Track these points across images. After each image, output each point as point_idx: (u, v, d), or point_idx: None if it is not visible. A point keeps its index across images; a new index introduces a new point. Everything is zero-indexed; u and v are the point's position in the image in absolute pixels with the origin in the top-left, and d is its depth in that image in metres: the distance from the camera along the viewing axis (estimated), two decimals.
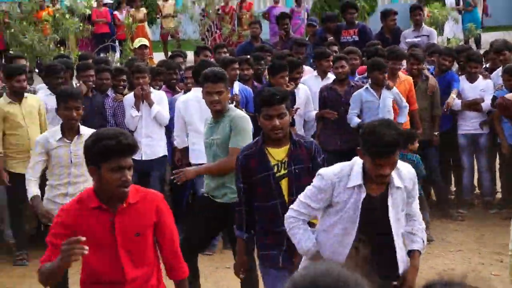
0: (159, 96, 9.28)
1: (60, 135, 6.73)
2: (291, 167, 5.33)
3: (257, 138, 5.50)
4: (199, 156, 7.94)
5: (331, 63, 9.83)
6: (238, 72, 9.57)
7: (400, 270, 4.75)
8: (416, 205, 4.85)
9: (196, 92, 7.83)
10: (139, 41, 12.04)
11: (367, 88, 9.24)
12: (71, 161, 6.73)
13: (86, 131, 6.72)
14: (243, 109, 9.34)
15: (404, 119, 9.35)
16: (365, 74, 9.87)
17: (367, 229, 4.58)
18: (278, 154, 5.36)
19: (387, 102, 9.20)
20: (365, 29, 12.82)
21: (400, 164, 4.65)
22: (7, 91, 8.69)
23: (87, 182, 6.70)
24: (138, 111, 9.16)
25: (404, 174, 4.65)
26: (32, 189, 6.78)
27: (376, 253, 4.45)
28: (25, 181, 6.89)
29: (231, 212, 6.04)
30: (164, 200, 4.48)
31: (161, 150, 9.32)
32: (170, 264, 4.50)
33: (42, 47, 14.89)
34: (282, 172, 5.34)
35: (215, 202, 6.54)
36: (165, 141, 9.37)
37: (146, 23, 20.71)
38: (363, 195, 4.55)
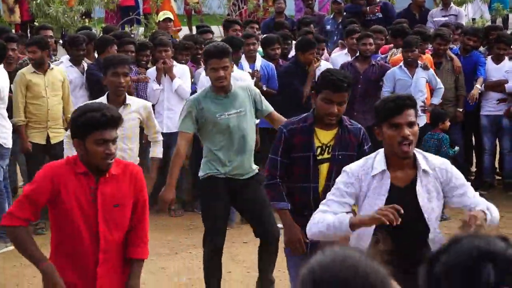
0: (182, 70, 9.27)
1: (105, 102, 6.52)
2: (335, 151, 5.15)
3: (306, 114, 5.24)
4: None
5: (355, 40, 9.82)
6: (256, 47, 9.55)
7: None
8: (472, 194, 4.39)
9: None
10: (163, 14, 12.00)
11: (400, 66, 9.25)
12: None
13: (135, 101, 6.68)
14: (264, 85, 9.33)
15: (437, 100, 9.40)
16: (387, 54, 9.83)
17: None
18: (325, 136, 5.17)
19: (420, 82, 9.19)
20: (387, 6, 12.70)
21: (429, 155, 4.44)
22: (31, 61, 8.73)
23: (133, 158, 6.72)
24: (160, 85, 9.16)
25: (433, 162, 4.32)
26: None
27: (407, 245, 4.14)
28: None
29: (247, 187, 6.01)
30: (142, 174, 4.49)
31: None
32: (134, 241, 4.47)
33: (67, 18, 14.89)
34: (326, 156, 5.17)
35: (230, 183, 6.24)
36: None
37: None
38: (388, 180, 4.26)
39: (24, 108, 8.58)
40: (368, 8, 12.08)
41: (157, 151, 6.96)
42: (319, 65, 9.26)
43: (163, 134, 8.89)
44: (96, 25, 14.58)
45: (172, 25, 11.54)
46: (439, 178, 4.30)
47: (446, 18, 12.08)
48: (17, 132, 8.56)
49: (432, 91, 9.43)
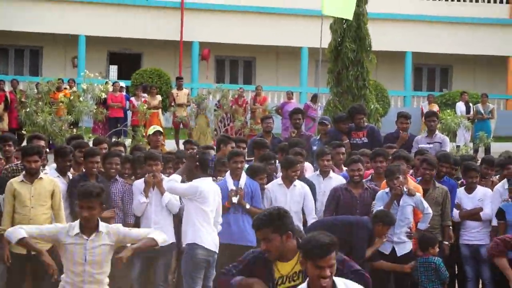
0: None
1: (78, 230, 6.48)
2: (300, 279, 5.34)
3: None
4: None
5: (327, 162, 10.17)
6: (243, 165, 9.62)
7: None
8: None
9: None
10: (153, 128, 12.09)
11: (387, 192, 9.24)
12: (86, 258, 6.46)
13: (104, 227, 6.52)
14: (248, 203, 9.34)
15: (424, 225, 9.38)
16: (369, 178, 9.94)
17: None
18: (284, 268, 5.40)
19: (406, 210, 9.18)
20: (373, 131, 12.87)
21: (350, 282, 5.02)
22: (33, 170, 8.66)
23: (105, 281, 6.57)
24: (147, 198, 9.14)
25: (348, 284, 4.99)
26: (20, 232, 6.44)
27: None
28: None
29: None
30: None
31: (169, 237, 9.18)
32: None
33: (55, 127, 15.01)
34: (287, 284, 5.36)
35: None
36: (173, 228, 9.29)
37: (160, 111, 20.89)
38: None
39: (11, 218, 8.53)
40: (344, 142, 12.17)
41: (158, 237, 6.62)
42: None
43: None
44: (84, 134, 14.66)
45: (162, 138, 11.62)
46: None
47: (431, 145, 12.21)
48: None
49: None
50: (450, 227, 9.76)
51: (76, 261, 6.43)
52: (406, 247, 9.18)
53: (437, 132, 12.72)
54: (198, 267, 8.77)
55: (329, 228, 8.02)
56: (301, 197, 9.64)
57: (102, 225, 6.53)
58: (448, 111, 18.60)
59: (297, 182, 9.70)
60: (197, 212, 8.78)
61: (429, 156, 10.14)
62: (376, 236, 8.77)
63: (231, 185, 9.48)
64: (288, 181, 9.65)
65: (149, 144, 11.67)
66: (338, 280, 4.95)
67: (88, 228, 6.46)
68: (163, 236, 6.74)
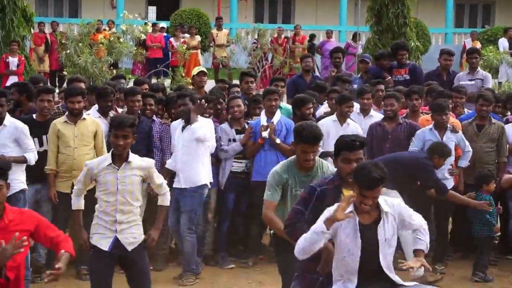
0: (205, 123, 9.25)
1: (110, 161, 6.72)
2: None
3: (332, 177, 5.74)
4: None
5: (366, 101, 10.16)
6: (278, 103, 9.62)
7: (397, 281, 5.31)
8: (416, 218, 5.43)
9: None
10: (198, 69, 12.10)
11: (431, 128, 9.25)
12: (118, 188, 6.67)
13: (136, 160, 6.75)
14: (278, 138, 9.34)
15: (465, 163, 9.44)
16: (403, 115, 9.91)
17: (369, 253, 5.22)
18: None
19: (449, 145, 9.15)
20: (416, 69, 12.77)
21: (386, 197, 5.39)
22: (76, 111, 8.80)
23: (135, 211, 6.78)
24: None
25: (389, 202, 5.35)
26: (76, 202, 6.93)
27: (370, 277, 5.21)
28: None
29: None
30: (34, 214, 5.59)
31: (202, 178, 9.25)
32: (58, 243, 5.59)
33: (95, 68, 15.07)
34: None
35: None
36: (210, 169, 9.33)
37: (199, 51, 20.88)
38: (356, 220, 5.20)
39: (56, 158, 8.72)
40: (387, 79, 12.12)
41: (164, 200, 7.01)
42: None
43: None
44: (125, 75, 14.73)
45: (206, 79, 11.63)
46: (393, 215, 5.31)
47: (473, 82, 12.11)
48: (46, 180, 8.72)
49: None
50: (505, 163, 9.74)
51: (109, 191, 6.65)
52: (448, 184, 9.19)
53: (479, 69, 12.58)
54: (202, 206, 9.09)
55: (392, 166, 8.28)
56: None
57: (133, 157, 6.76)
58: (491, 47, 18.32)
59: (350, 121, 9.71)
60: (206, 153, 8.98)
61: (485, 93, 10.05)
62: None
63: (264, 122, 9.51)
64: (342, 117, 9.61)
65: (193, 84, 11.70)
66: (380, 200, 5.30)
67: (120, 158, 6.69)
68: (169, 198, 7.09)
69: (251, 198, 9.49)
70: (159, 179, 6.93)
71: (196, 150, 8.85)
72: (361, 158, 5.57)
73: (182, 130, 8.89)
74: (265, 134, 9.37)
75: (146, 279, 6.81)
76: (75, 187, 7.01)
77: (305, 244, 5.21)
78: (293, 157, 6.46)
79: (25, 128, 8.43)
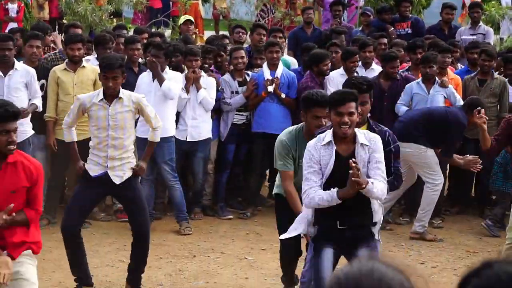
0: (208, 81, 9.27)
1: (102, 97, 6.81)
2: None
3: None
4: None
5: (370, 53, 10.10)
6: (279, 55, 9.57)
7: (375, 219, 5.63)
8: (380, 174, 5.48)
9: None
10: (184, 17, 12.09)
11: (418, 82, 9.23)
12: (109, 123, 6.78)
13: (126, 94, 6.83)
14: (283, 93, 9.36)
15: None
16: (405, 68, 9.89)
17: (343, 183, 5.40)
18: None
19: (436, 98, 9.15)
20: (418, 22, 12.71)
21: (368, 132, 5.62)
22: (76, 58, 8.80)
23: (129, 148, 6.90)
24: (188, 94, 9.17)
25: (370, 137, 5.52)
26: (68, 134, 7.08)
27: (352, 204, 5.46)
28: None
29: None
30: (39, 169, 5.32)
31: (207, 132, 9.36)
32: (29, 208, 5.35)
33: (95, 17, 14.96)
34: None
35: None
36: (211, 123, 9.39)
37: (200, 1, 20.71)
38: (334, 148, 5.46)
39: (55, 105, 8.70)
40: (390, 30, 12.08)
41: (154, 136, 7.10)
42: None
43: (186, 142, 9.08)
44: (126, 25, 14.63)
45: (193, 28, 11.56)
46: (370, 147, 5.50)
47: (474, 37, 12.05)
48: (46, 127, 8.73)
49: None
50: None
51: (101, 126, 6.79)
52: None
53: (481, 23, 12.52)
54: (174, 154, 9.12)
55: (426, 119, 8.27)
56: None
57: (124, 92, 6.84)
58: (493, 2, 18.19)
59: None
60: (173, 105, 9.05)
61: (488, 47, 10.01)
62: (472, 124, 8.55)
63: (267, 75, 9.50)
64: (348, 72, 9.52)
65: (180, 33, 11.65)
66: (358, 132, 5.52)
67: (111, 96, 6.79)
68: (159, 133, 7.18)
69: (250, 149, 9.54)
70: (151, 112, 6.99)
71: (164, 103, 8.79)
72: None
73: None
74: (270, 88, 9.39)
75: (142, 207, 6.92)
76: (65, 118, 7.10)
77: (319, 203, 5.47)
78: (299, 125, 6.42)
79: (35, 73, 8.43)
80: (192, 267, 7.91)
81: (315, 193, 5.45)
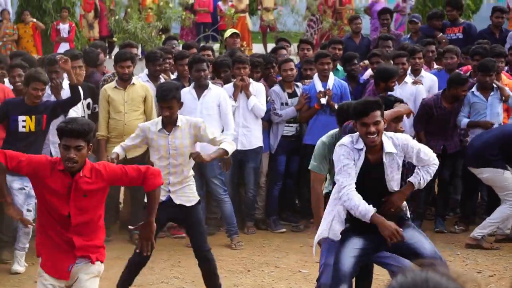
0: (257, 88, 9.31)
1: (161, 126, 6.91)
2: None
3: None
4: None
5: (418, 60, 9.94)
6: (330, 67, 9.54)
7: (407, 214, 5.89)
8: (424, 154, 5.70)
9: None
10: (230, 31, 12.14)
11: (473, 91, 9.10)
12: (169, 152, 6.86)
13: (184, 122, 6.89)
14: (336, 103, 9.31)
15: None
16: (468, 73, 9.73)
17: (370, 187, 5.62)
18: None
19: (495, 105, 9.00)
20: (470, 27, 12.56)
21: (394, 134, 5.75)
22: (125, 76, 8.89)
23: (186, 171, 6.93)
24: (236, 101, 9.20)
25: (397, 142, 5.65)
26: (117, 150, 7.09)
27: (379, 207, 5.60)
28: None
29: None
30: (108, 166, 5.43)
31: (257, 141, 9.36)
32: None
33: (145, 34, 15.13)
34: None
35: None
36: (261, 132, 9.40)
37: (247, 14, 20.80)
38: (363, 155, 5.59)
39: (107, 123, 8.81)
40: (439, 36, 11.96)
41: (224, 145, 7.01)
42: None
43: (238, 151, 9.07)
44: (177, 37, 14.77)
45: (239, 41, 11.60)
46: (399, 153, 5.65)
47: None
48: (98, 146, 8.80)
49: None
50: None
51: (162, 155, 6.88)
52: None
53: None
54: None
55: (500, 138, 8.52)
56: (412, 95, 9.52)
57: (181, 119, 6.92)
58: None
59: (408, 79, 9.60)
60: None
61: None
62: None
63: (319, 87, 9.46)
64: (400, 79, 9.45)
65: (226, 47, 11.69)
66: (385, 139, 5.65)
67: (169, 124, 6.90)
68: (233, 146, 7.17)
69: (302, 162, 9.50)
70: (212, 134, 7.03)
71: (209, 118, 8.63)
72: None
73: (199, 98, 8.83)
74: (323, 101, 9.35)
75: (200, 233, 7.04)
76: (127, 140, 7.18)
77: (352, 209, 5.63)
78: (337, 130, 6.50)
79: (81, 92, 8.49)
80: (247, 281, 7.91)
81: (354, 196, 5.56)
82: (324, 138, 6.52)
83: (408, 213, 5.95)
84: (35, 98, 8.00)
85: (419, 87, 9.53)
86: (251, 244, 9.09)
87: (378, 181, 5.66)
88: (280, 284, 7.83)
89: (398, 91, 9.33)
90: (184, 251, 8.68)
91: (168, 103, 6.80)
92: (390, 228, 5.51)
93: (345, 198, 5.60)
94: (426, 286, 1.91)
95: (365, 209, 5.52)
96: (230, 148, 7.08)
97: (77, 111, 8.57)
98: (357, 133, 5.70)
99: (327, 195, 6.62)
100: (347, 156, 5.61)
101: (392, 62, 9.68)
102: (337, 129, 6.53)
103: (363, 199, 5.55)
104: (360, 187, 5.58)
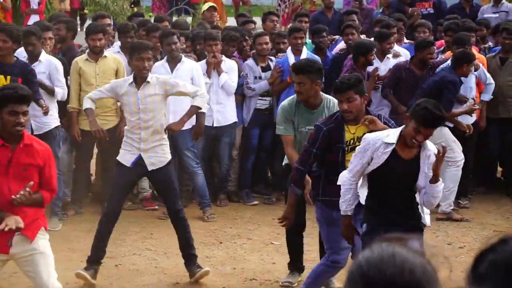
0: (229, 65, 9.27)
1: (132, 80, 7.05)
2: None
3: (337, 114, 6.03)
4: None
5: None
6: (303, 41, 9.54)
7: (427, 221, 5.75)
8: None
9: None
10: (208, 4, 12.07)
11: (448, 64, 9.12)
12: (139, 107, 6.97)
13: (154, 79, 7.02)
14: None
15: (488, 96, 9.39)
16: (441, 48, 9.76)
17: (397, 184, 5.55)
18: (355, 129, 6.02)
19: (468, 79, 9.05)
20: (440, 2, 12.57)
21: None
22: (96, 48, 8.84)
23: (160, 130, 7.06)
24: (209, 79, 9.16)
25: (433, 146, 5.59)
26: (87, 103, 7.24)
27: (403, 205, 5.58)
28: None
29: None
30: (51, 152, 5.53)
31: (232, 116, 9.37)
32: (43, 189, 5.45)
33: (116, 6, 14.99)
34: (356, 144, 5.86)
35: None
36: (235, 107, 9.40)
37: None
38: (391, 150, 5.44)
39: (78, 96, 8.74)
40: (410, 9, 11.97)
41: (195, 101, 7.18)
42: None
43: (213, 128, 9.08)
44: (145, 13, 14.66)
45: (217, 15, 11.55)
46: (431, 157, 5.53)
47: (497, 15, 11.93)
48: (69, 118, 8.77)
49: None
50: None
51: (132, 110, 7.01)
52: (470, 119, 9.12)
53: (503, 1, 12.38)
54: None
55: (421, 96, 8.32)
56: None
57: (151, 76, 7.06)
58: None
59: (390, 56, 9.60)
60: None
61: (509, 25, 9.90)
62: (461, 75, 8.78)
63: (292, 60, 9.44)
64: (381, 54, 9.45)
65: (203, 20, 11.62)
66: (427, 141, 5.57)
67: (140, 79, 7.00)
68: (204, 103, 7.37)
69: (275, 135, 9.50)
70: (183, 86, 7.15)
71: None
72: (351, 97, 5.80)
73: (172, 71, 8.78)
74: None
75: (172, 192, 7.14)
76: (94, 91, 7.40)
77: (341, 195, 5.75)
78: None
79: (58, 64, 8.45)
80: (219, 253, 7.95)
81: (349, 185, 5.65)
82: (284, 102, 6.79)
83: (426, 221, 5.82)
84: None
85: (400, 59, 9.56)
86: (223, 216, 9.12)
87: (409, 177, 5.57)
88: (252, 256, 7.87)
89: (382, 67, 9.41)
90: (156, 223, 8.70)
91: (147, 53, 6.95)
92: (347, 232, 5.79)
93: (341, 181, 5.74)
94: (393, 261, 1.89)
95: (346, 205, 5.71)
96: (202, 103, 7.22)
97: (63, 89, 8.54)
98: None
99: (287, 166, 6.80)
100: (366, 148, 5.55)
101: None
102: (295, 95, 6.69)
103: (390, 195, 5.56)
104: (377, 177, 5.57)
